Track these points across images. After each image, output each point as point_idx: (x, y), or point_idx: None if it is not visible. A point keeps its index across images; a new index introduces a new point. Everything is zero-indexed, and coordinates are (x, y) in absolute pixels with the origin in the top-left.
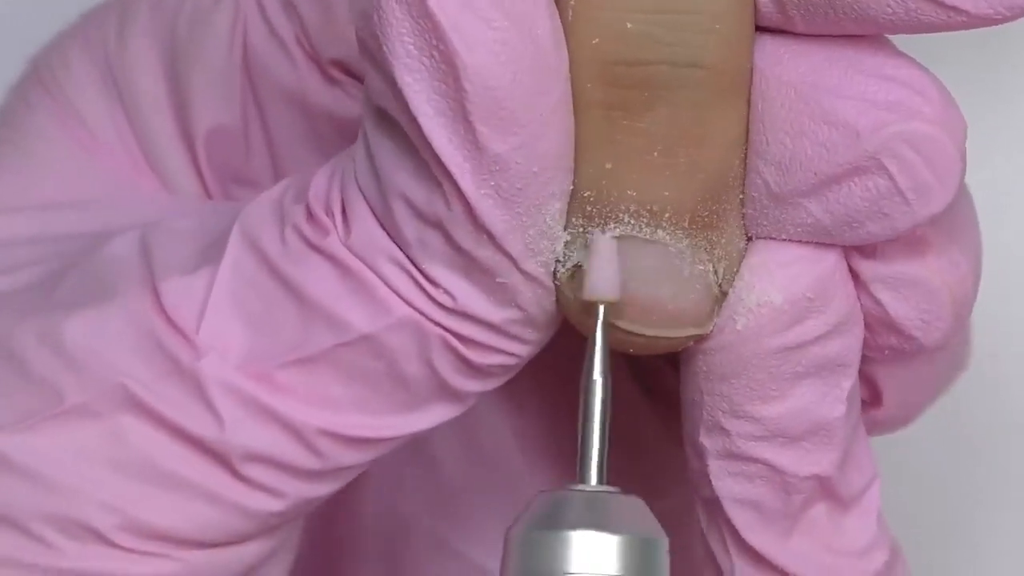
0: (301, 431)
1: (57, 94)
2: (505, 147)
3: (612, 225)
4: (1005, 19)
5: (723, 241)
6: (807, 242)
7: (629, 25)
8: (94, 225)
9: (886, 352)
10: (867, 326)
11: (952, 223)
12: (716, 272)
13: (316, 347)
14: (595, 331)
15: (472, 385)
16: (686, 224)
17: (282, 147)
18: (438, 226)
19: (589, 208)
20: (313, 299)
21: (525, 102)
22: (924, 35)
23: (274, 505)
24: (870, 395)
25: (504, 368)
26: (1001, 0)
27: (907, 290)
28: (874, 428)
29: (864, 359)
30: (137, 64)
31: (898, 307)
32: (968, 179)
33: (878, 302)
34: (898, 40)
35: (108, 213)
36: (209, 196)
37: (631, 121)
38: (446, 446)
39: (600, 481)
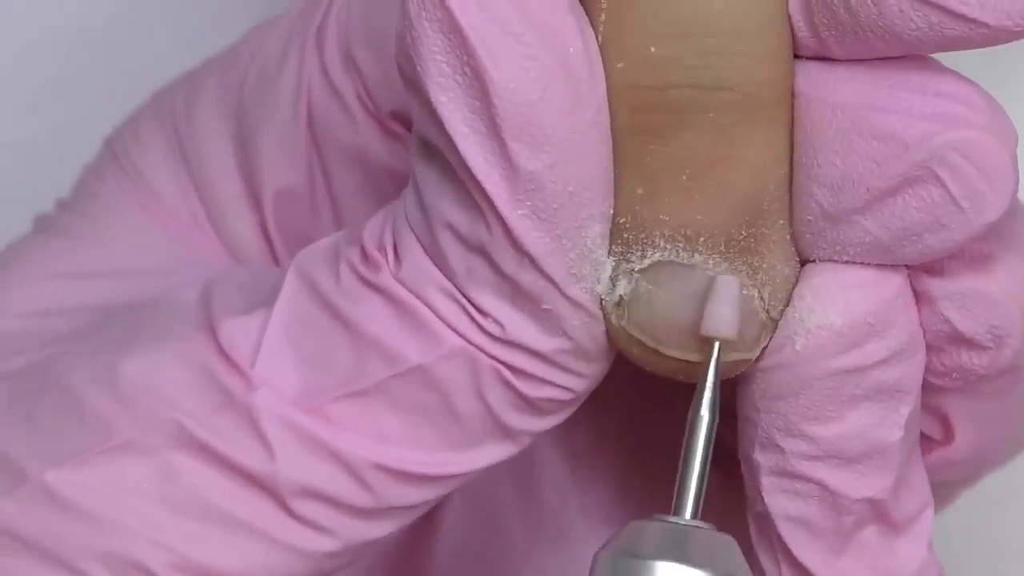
0: (353, 465)
1: (128, 167)
2: (538, 165)
3: (649, 251)
4: None
5: (765, 266)
6: (872, 265)
7: (653, 49)
8: (157, 292)
9: (955, 376)
10: (935, 348)
11: (1013, 234)
12: (762, 297)
13: (370, 380)
14: (707, 368)
15: (525, 422)
16: (723, 248)
17: (345, 204)
18: (481, 252)
19: (626, 235)
20: (367, 333)
21: (556, 119)
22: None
23: (327, 545)
24: (942, 431)
25: (557, 404)
26: (1020, 12)
27: (976, 306)
28: (950, 470)
29: (932, 391)
30: (205, 133)
31: (968, 323)
32: None
33: (947, 320)
34: None
35: (173, 281)
36: (276, 259)
37: (658, 145)
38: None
39: (694, 515)
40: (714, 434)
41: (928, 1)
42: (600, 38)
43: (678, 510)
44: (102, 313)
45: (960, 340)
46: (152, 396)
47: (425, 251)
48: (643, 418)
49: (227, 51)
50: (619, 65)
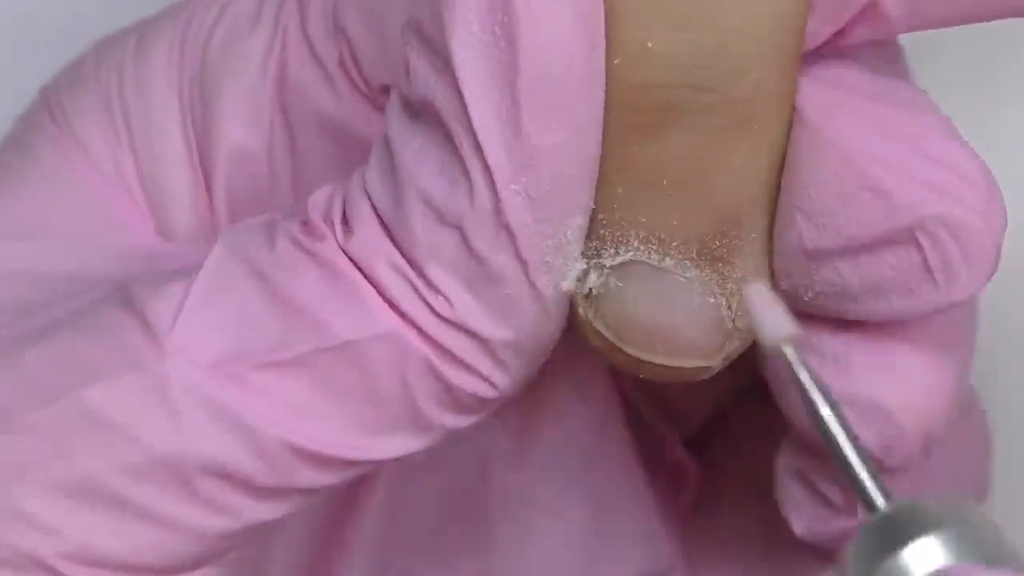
0: (262, 441)
1: (60, 118)
2: (545, 141)
3: (622, 250)
4: None
5: (736, 276)
6: None
7: (650, 44)
8: (69, 263)
9: None
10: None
11: (937, 337)
12: (729, 307)
13: (295, 351)
14: (798, 373)
15: (444, 417)
16: (694, 255)
17: (311, 173)
18: (456, 225)
19: (602, 231)
20: (299, 303)
21: (574, 99)
22: (923, 37)
23: (224, 524)
24: (844, 501)
25: (477, 401)
26: None
27: (872, 416)
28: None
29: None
30: (151, 84)
31: (861, 431)
32: None
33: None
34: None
35: (88, 252)
36: (214, 219)
37: (643, 145)
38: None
39: (888, 497)
40: (845, 420)
41: None
42: None
43: (872, 502)
44: (13, 284)
45: None
46: (57, 375)
47: (381, 224)
48: (574, 408)
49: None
50: (616, 61)
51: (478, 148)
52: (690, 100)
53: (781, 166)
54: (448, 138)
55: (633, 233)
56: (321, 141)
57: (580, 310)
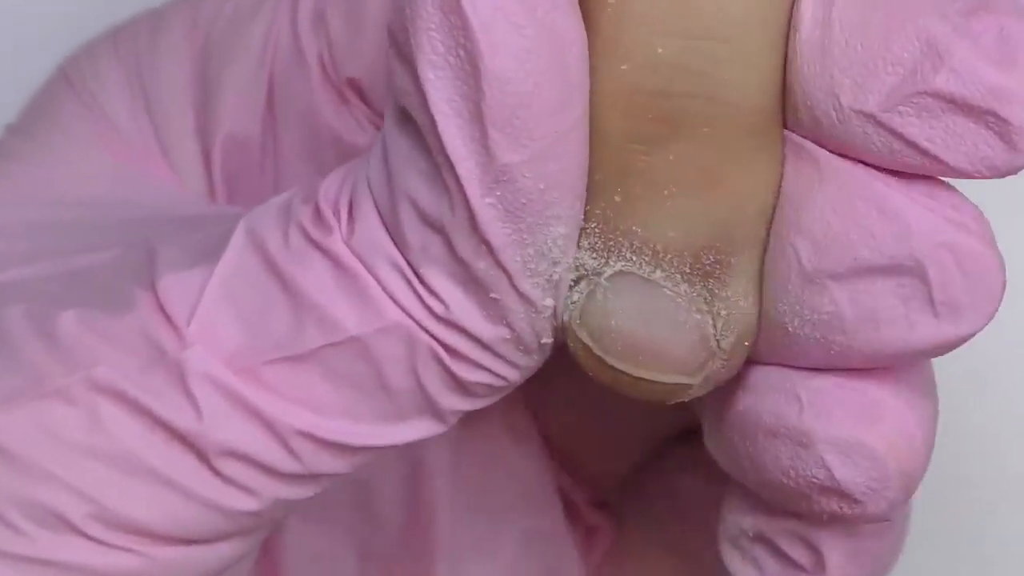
0: (280, 431)
1: (85, 95)
2: (515, 158)
3: (614, 260)
4: (983, 176)
5: (725, 295)
6: None
7: (660, 51)
8: (102, 225)
9: (825, 518)
10: (804, 495)
11: (915, 385)
12: (715, 326)
13: (305, 346)
14: None
15: (456, 402)
16: (687, 269)
17: (286, 165)
18: (440, 231)
19: (595, 239)
20: (308, 297)
21: (542, 116)
22: None
23: (249, 504)
24: (812, 560)
25: (490, 389)
26: (981, 160)
27: (857, 456)
28: None
29: (802, 522)
30: (165, 67)
31: (846, 472)
32: (969, 183)
33: (825, 466)
34: None
35: (119, 211)
36: (215, 200)
37: (646, 155)
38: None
39: None
40: None
41: (893, 131)
42: (603, 36)
43: None
44: (45, 243)
45: (834, 491)
46: (86, 348)
47: (381, 218)
48: (508, 452)
49: None
50: (623, 67)
51: (450, 163)
52: (698, 110)
53: (779, 184)
54: (427, 148)
55: (627, 243)
56: (299, 133)
57: (565, 317)
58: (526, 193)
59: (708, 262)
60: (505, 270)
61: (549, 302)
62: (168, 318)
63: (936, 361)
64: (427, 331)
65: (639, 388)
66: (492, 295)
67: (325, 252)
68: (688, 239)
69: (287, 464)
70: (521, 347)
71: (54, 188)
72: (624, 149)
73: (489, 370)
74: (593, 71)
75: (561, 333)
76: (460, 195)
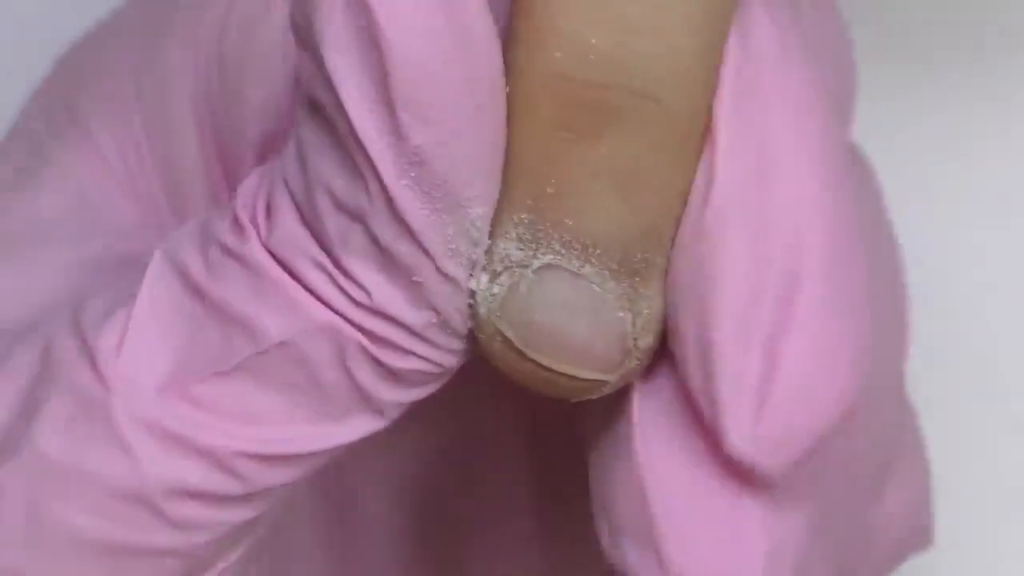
0: (219, 456)
1: (78, 119)
2: (426, 139)
3: (543, 252)
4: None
5: (646, 294)
6: None
7: (594, 41)
8: (57, 279)
9: None
10: None
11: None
12: (634, 324)
13: (234, 359)
14: None
15: (392, 393)
16: (615, 266)
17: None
18: (359, 219)
19: (523, 231)
20: (231, 309)
21: (450, 96)
22: (919, 40)
23: (202, 537)
24: None
25: (425, 376)
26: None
27: None
28: None
29: None
30: (167, 91)
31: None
32: (969, 182)
33: None
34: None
35: (69, 252)
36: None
37: (579, 146)
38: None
39: None
40: None
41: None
42: (535, 22)
43: None
44: None
45: None
46: (12, 416)
47: (300, 214)
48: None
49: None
50: (556, 54)
51: (362, 148)
52: (629, 105)
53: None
54: (339, 136)
55: (557, 236)
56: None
57: (482, 309)
58: (441, 174)
59: (636, 260)
60: (427, 252)
61: (473, 284)
62: (94, 363)
63: (937, 361)
64: (352, 323)
65: (557, 383)
66: (415, 279)
67: (242, 260)
68: (619, 235)
69: (231, 487)
70: (448, 330)
71: (19, 227)
72: (556, 138)
73: (420, 356)
74: (525, 56)
75: (477, 326)
76: (375, 179)
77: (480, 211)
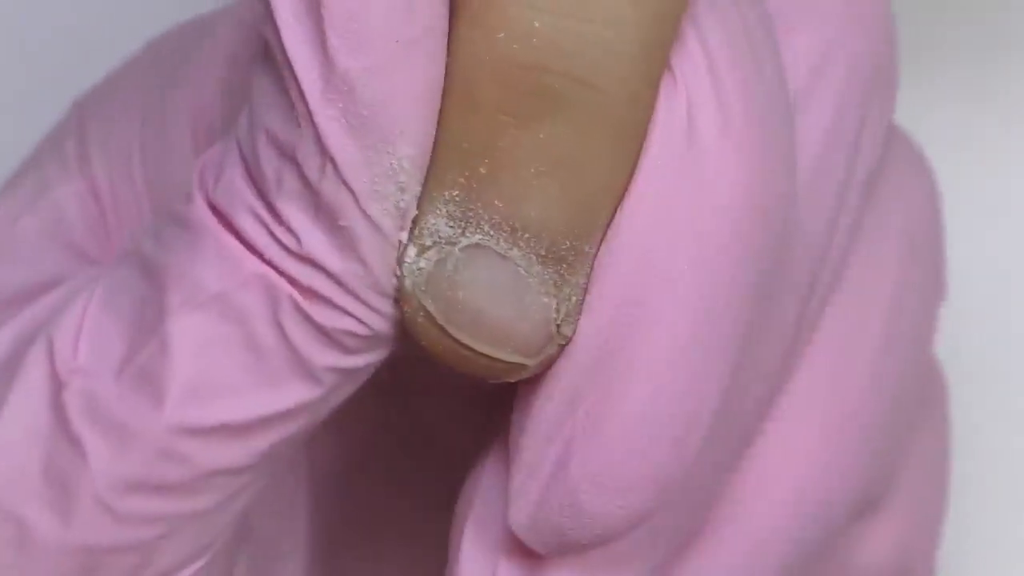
0: (154, 438)
1: (82, 146)
2: (354, 64)
3: (471, 231)
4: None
5: (572, 282)
6: None
7: (537, 24)
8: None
9: None
10: None
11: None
12: (559, 311)
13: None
14: None
15: (326, 357)
16: (543, 252)
17: None
18: (292, 158)
19: (453, 208)
20: (172, 273)
21: (381, 21)
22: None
23: (155, 531)
24: None
25: (357, 340)
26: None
27: None
28: None
29: None
30: (170, 137)
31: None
32: (970, 183)
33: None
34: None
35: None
36: None
37: (515, 128)
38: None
39: None
40: None
41: None
42: (481, 1)
43: None
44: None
45: None
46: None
47: (244, 167)
48: (420, 529)
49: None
50: (499, 35)
51: (293, 75)
52: (570, 91)
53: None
54: (278, 72)
55: (487, 216)
56: None
57: (407, 283)
58: (368, 104)
59: (564, 248)
60: (351, 190)
61: (402, 235)
62: (51, 360)
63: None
64: (283, 273)
65: (476, 363)
66: (340, 222)
67: (185, 221)
68: (549, 222)
69: (176, 472)
70: (376, 286)
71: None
72: (494, 120)
73: (350, 314)
74: (467, 33)
75: (399, 295)
76: (304, 108)
77: (408, 152)
